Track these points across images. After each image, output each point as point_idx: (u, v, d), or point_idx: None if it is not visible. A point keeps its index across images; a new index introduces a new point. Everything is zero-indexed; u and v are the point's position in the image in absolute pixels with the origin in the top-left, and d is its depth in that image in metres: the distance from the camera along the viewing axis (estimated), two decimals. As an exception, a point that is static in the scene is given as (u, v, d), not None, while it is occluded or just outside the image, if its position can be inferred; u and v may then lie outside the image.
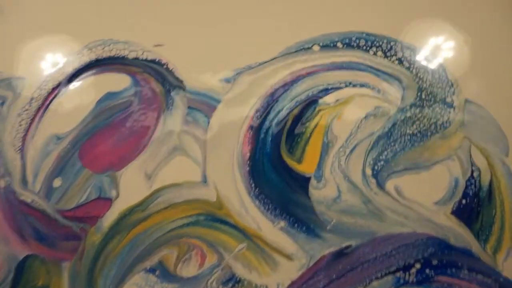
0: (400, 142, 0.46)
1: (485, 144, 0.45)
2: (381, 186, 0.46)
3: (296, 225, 0.46)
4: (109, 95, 0.53)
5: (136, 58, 0.53)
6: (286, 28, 0.50)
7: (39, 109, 0.53)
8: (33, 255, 0.49)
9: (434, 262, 0.46)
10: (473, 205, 0.45)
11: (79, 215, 0.49)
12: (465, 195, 0.45)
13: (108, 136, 0.51)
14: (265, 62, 0.50)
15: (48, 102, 0.53)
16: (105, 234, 0.48)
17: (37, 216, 0.49)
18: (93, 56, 0.54)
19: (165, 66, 0.52)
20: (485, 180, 0.45)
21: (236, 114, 0.49)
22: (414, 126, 0.46)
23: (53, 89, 0.53)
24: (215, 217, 0.47)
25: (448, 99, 0.47)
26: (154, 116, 0.51)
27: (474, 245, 0.44)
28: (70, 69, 0.53)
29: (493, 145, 0.45)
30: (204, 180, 0.48)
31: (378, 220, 0.45)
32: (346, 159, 0.47)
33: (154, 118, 0.51)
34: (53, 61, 0.54)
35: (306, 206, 0.46)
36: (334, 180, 0.46)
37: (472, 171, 0.45)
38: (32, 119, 0.53)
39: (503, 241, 0.44)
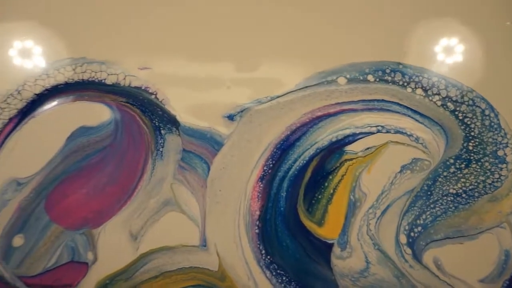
0: (442, 203, 0.40)
1: (542, 210, 0.40)
2: (417, 257, 0.40)
3: (315, 303, 0.40)
4: (83, 131, 0.44)
5: (117, 84, 0.44)
6: (305, 54, 0.42)
7: (-8, 145, 0.45)
8: (-14, 335, 0.41)
9: None
10: (526, 284, 0.40)
11: (46, 283, 0.41)
12: (516, 271, 0.40)
13: (82, 184, 0.43)
14: (278, 96, 0.42)
15: (3, 136, 0.44)
16: (78, 308, 0.41)
17: (-8, 284, 0.42)
18: (61, 79, 0.45)
19: (153, 96, 0.44)
20: (540, 253, 0.40)
21: (243, 162, 0.42)
22: (459, 185, 0.40)
23: (10, 120, 0.44)
24: (216, 291, 0.40)
25: (500, 153, 0.40)
26: (140, 160, 0.43)
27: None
28: (30, 94, 0.45)
29: (551, 210, 0.40)
30: (204, 244, 0.41)
31: (413, 300, 0.40)
32: (376, 222, 0.41)
33: (140, 163, 0.43)
34: (8, 82, 0.45)
35: (327, 280, 0.40)
36: (362, 249, 0.40)
37: (526, 242, 0.40)
38: (-16, 159, 0.45)
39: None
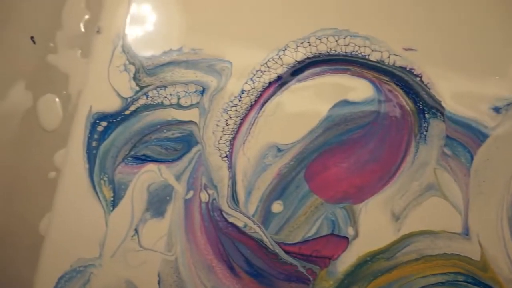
0: None
1: None
2: None
3: None
4: (345, 104, 0.44)
5: (381, 61, 0.44)
6: None
7: (251, 107, 0.44)
8: (247, 294, 0.41)
9: None
10: None
11: (306, 252, 0.41)
12: None
13: (343, 158, 0.43)
14: (547, 93, 0.43)
15: (263, 100, 0.44)
16: (339, 281, 0.41)
17: (251, 245, 0.41)
18: (323, 48, 0.45)
19: (418, 78, 0.44)
20: None
21: (508, 155, 0.42)
22: None
23: (270, 83, 0.44)
24: (477, 280, 0.41)
25: None
26: (403, 141, 0.43)
27: None
28: (291, 60, 0.44)
29: None
30: (466, 232, 0.41)
31: None
32: None
33: (403, 144, 0.43)
34: (267, 45, 0.44)
35: None
36: None
37: None
38: (243, 119, 0.44)
39: None
